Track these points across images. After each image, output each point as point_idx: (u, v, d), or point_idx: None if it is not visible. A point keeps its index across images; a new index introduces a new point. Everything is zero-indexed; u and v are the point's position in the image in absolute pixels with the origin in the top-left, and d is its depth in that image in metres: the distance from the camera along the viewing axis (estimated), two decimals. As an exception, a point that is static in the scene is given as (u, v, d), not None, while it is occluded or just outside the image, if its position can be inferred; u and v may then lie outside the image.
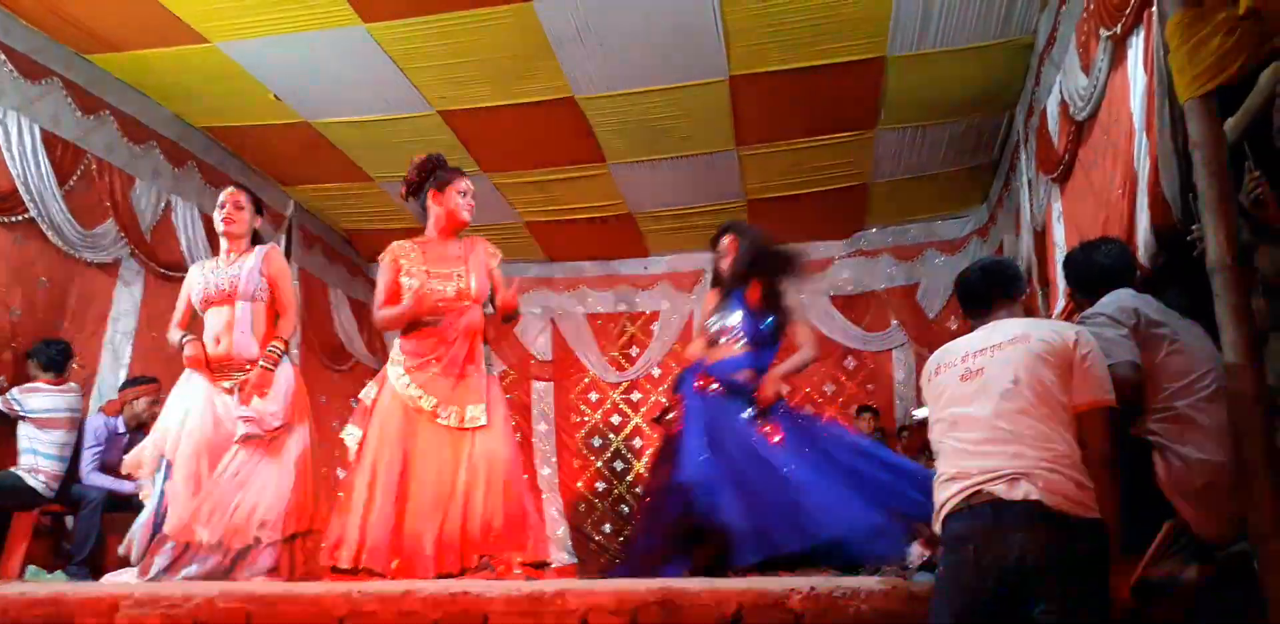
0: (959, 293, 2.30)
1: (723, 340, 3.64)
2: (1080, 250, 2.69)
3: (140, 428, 4.57)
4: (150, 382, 4.69)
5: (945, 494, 1.94)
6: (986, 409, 1.94)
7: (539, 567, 3.21)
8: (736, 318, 3.64)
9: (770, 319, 3.61)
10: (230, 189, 3.66)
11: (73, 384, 4.47)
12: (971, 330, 2.19)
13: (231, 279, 3.45)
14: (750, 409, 3.43)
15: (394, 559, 3.08)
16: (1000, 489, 1.83)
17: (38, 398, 4.28)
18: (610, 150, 6.02)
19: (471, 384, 3.34)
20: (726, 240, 3.76)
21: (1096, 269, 2.57)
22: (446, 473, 3.22)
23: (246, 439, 3.27)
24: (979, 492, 1.86)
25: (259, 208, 3.66)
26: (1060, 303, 4.22)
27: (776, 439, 3.35)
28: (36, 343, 4.40)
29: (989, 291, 2.19)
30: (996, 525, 1.81)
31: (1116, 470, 1.89)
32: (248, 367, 3.39)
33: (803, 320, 3.72)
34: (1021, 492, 1.81)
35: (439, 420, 3.25)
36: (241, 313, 3.42)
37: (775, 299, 3.62)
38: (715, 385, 3.51)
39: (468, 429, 3.26)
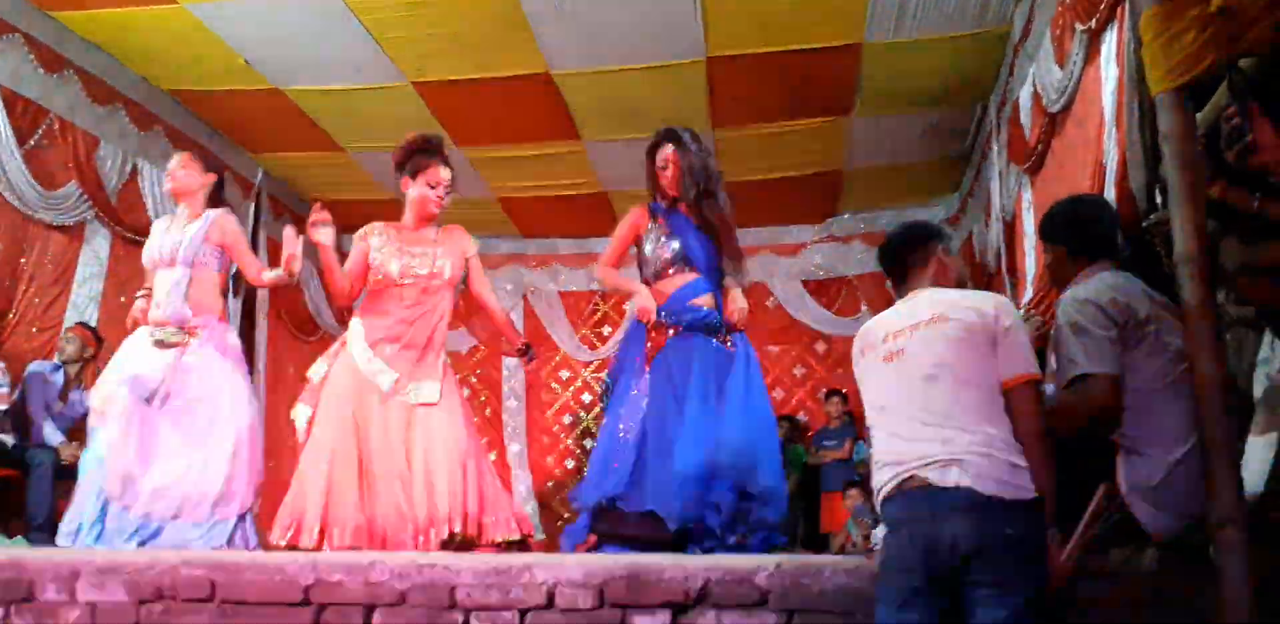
0: (880, 258, 2.25)
1: (672, 270, 3.37)
2: (1073, 206, 2.45)
3: (72, 364, 4.58)
4: (88, 328, 4.68)
5: (882, 478, 1.94)
6: (913, 393, 1.93)
7: (514, 544, 3.23)
8: (688, 241, 3.36)
9: (714, 238, 3.39)
10: (179, 154, 3.71)
11: None
12: (898, 295, 2.16)
13: (175, 244, 3.47)
14: (715, 341, 3.30)
15: (358, 540, 3.08)
16: (933, 475, 1.84)
17: None
18: (585, 128, 5.98)
19: (429, 363, 3.34)
20: (668, 151, 3.40)
21: (1098, 232, 2.34)
22: (403, 451, 3.20)
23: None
24: (912, 476, 1.87)
25: (211, 166, 3.67)
26: (1029, 293, 4.29)
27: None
28: None
29: (902, 256, 2.15)
30: (930, 510, 1.83)
31: (1048, 443, 1.90)
32: (183, 329, 3.43)
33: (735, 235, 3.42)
34: (953, 478, 1.82)
35: (397, 396, 3.24)
36: (180, 277, 3.45)
37: (719, 218, 3.39)
38: (672, 331, 3.29)
39: (421, 406, 3.26)
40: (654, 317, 3.28)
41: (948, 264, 2.16)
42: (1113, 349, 2.12)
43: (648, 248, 3.43)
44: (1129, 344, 2.16)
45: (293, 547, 3.07)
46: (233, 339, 3.54)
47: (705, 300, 3.36)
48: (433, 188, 3.44)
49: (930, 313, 1.99)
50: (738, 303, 3.37)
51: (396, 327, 3.33)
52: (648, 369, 3.30)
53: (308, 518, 3.11)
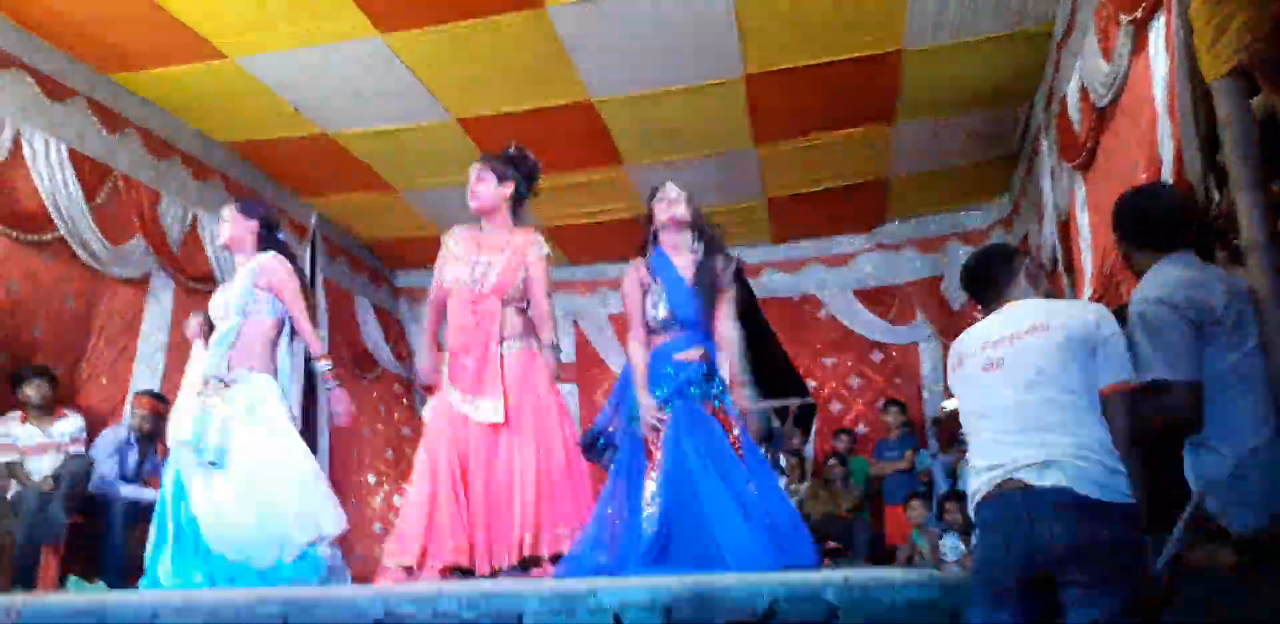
0: (965, 286, 2.28)
1: (667, 329, 3.20)
2: (1130, 196, 2.34)
3: (145, 437, 4.66)
4: (154, 397, 4.76)
5: (979, 481, 1.96)
6: (1013, 400, 1.95)
7: (546, 559, 3.14)
8: (678, 295, 3.20)
9: (706, 292, 3.22)
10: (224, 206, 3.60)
11: None
12: (987, 314, 2.16)
13: (226, 298, 3.35)
14: (716, 400, 3.14)
15: (458, 557, 3.08)
16: (1030, 476, 1.86)
17: None
18: (627, 152, 6.03)
19: (490, 375, 3.23)
20: (674, 190, 3.33)
21: (1155, 221, 2.23)
22: (487, 470, 3.20)
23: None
24: (1010, 479, 1.89)
25: (254, 212, 3.48)
26: (1088, 290, 4.18)
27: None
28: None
29: (990, 272, 2.18)
30: (1026, 511, 1.84)
31: (1138, 450, 1.90)
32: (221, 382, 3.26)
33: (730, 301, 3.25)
34: (1051, 479, 1.83)
35: (466, 414, 3.25)
36: (230, 328, 3.29)
37: (716, 272, 3.24)
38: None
39: (492, 425, 3.23)
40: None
41: (1038, 274, 2.19)
42: (1193, 354, 2.05)
43: (647, 304, 3.27)
44: (1203, 341, 2.08)
45: (397, 564, 3.07)
46: (267, 387, 3.31)
47: (692, 354, 3.16)
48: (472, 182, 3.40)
49: (1030, 322, 2.01)
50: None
51: (457, 338, 3.29)
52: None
53: (408, 537, 3.12)
